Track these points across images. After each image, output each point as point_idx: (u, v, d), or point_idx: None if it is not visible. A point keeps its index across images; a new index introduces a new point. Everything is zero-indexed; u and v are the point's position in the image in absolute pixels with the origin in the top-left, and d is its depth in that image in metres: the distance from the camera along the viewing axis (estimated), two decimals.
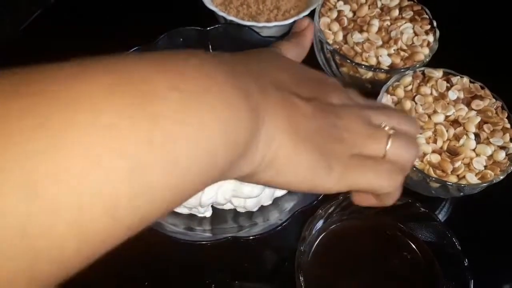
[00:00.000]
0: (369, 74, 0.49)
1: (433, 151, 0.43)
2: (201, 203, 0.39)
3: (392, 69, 0.48)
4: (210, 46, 0.49)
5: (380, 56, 0.49)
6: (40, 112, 0.13)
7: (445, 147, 0.43)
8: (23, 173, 0.13)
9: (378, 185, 0.25)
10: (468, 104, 0.46)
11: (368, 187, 0.25)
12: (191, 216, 0.43)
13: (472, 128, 0.44)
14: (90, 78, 0.15)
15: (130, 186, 0.15)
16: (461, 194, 0.42)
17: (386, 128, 0.26)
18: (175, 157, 0.16)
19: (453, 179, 0.41)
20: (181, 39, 0.47)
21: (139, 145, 0.15)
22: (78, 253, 0.14)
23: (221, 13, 0.54)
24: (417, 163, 0.42)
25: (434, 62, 0.50)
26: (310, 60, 0.45)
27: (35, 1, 0.72)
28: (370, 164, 0.25)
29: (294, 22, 0.54)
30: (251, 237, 0.39)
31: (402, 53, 0.50)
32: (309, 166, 0.22)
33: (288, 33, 0.56)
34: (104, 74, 0.15)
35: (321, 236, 0.40)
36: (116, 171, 0.14)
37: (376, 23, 0.51)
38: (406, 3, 0.54)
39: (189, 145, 0.16)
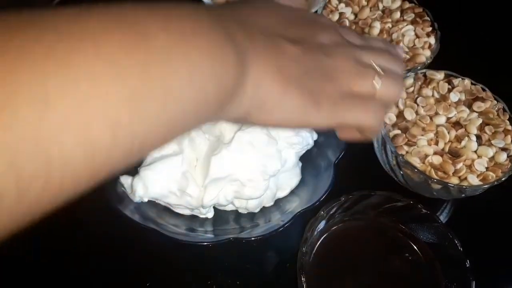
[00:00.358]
0: None
1: (435, 153, 0.43)
2: (203, 204, 0.39)
3: None
4: None
5: None
6: (46, 42, 0.15)
7: (446, 149, 0.43)
8: (35, 87, 0.14)
9: (364, 121, 0.26)
10: (469, 106, 0.46)
11: (355, 123, 0.27)
12: (193, 217, 0.43)
13: (474, 130, 0.44)
14: (91, 17, 0.16)
15: (129, 111, 0.16)
16: (463, 195, 0.42)
17: (375, 67, 0.27)
18: (168, 89, 0.17)
19: (454, 180, 0.41)
20: None
21: (136, 75, 0.16)
22: (85, 166, 0.16)
23: None
24: (419, 164, 0.42)
25: (436, 64, 0.50)
26: None
27: (37, 3, 0.72)
28: (358, 102, 0.26)
29: None
30: (252, 238, 0.39)
31: (404, 55, 0.50)
32: (299, 105, 0.24)
33: None
34: (102, 15, 0.17)
35: (323, 237, 0.40)
36: (117, 96, 0.16)
37: (377, 26, 0.52)
38: (407, 5, 0.54)
39: (180, 81, 0.18)
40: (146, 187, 0.39)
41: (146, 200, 0.40)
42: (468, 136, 0.44)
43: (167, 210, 0.43)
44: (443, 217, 0.48)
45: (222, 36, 0.20)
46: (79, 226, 0.44)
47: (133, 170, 0.41)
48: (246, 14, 0.25)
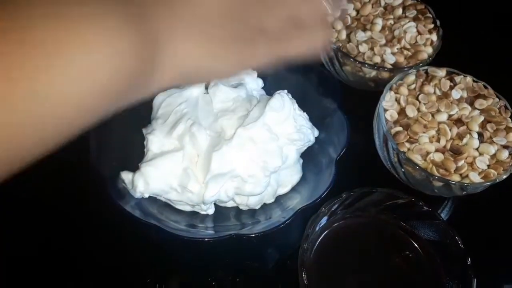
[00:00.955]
0: (373, 73, 0.49)
1: (436, 150, 0.43)
2: (204, 201, 0.39)
3: (396, 68, 0.48)
4: None
5: (384, 54, 0.49)
6: None
7: (448, 146, 0.43)
8: None
9: (304, 51, 0.28)
10: (471, 103, 0.46)
11: (296, 56, 0.28)
12: (194, 214, 0.43)
13: (476, 127, 0.44)
14: None
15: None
16: (464, 193, 0.42)
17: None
18: (46, 91, 0.17)
19: (456, 178, 0.41)
20: None
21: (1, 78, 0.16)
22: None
23: None
24: (420, 162, 0.42)
25: (438, 61, 0.50)
26: (313, 59, 0.46)
27: None
28: (292, 36, 0.27)
29: None
30: (253, 235, 0.39)
31: (405, 51, 0.50)
32: (233, 60, 0.24)
33: None
34: None
35: (324, 234, 0.40)
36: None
37: (379, 22, 0.52)
38: (409, 2, 0.54)
39: (64, 78, 0.17)
40: (147, 183, 0.39)
41: (147, 196, 0.40)
42: (469, 133, 0.43)
43: (167, 206, 0.43)
44: (444, 215, 0.48)
45: (122, 19, 0.19)
46: (80, 222, 0.44)
47: (134, 166, 0.41)
48: None
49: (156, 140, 0.42)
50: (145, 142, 0.43)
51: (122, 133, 0.43)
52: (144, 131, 0.44)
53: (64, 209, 0.45)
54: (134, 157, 0.43)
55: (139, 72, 0.20)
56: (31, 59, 0.16)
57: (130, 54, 0.19)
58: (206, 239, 0.38)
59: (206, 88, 0.47)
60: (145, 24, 0.20)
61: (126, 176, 0.40)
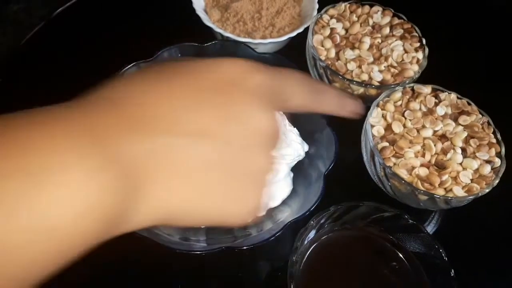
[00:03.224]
0: (361, 90, 0.51)
1: (422, 165, 0.44)
2: None
3: (383, 85, 0.50)
4: None
5: (371, 72, 0.51)
6: None
7: (433, 161, 0.44)
8: None
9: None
10: (455, 120, 0.47)
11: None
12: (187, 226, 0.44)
13: (459, 143, 0.45)
14: None
15: None
16: (449, 206, 0.44)
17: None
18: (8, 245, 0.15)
19: (440, 192, 0.43)
20: (179, 55, 0.49)
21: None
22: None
23: (218, 30, 0.55)
24: (406, 176, 0.44)
25: (423, 78, 0.52)
26: None
27: (36, 15, 0.73)
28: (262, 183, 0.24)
29: (289, 38, 0.56)
30: (245, 247, 0.40)
31: (392, 69, 0.52)
32: (215, 213, 0.22)
33: (283, 49, 0.59)
34: None
35: (312, 247, 0.41)
36: None
37: (367, 41, 0.53)
38: (396, 21, 0.56)
39: (32, 234, 0.15)
40: None
41: None
42: (453, 148, 0.45)
43: None
44: (431, 227, 0.49)
45: (99, 164, 0.17)
46: None
47: None
48: (141, 104, 0.20)
49: None
50: None
51: None
52: None
53: None
54: None
55: (117, 209, 0.18)
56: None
57: (108, 191, 0.17)
58: (198, 252, 0.39)
59: None
60: (124, 163, 0.18)
61: None
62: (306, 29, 0.55)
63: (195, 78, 0.21)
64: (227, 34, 0.55)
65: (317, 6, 0.59)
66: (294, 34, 0.56)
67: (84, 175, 0.16)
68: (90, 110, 0.19)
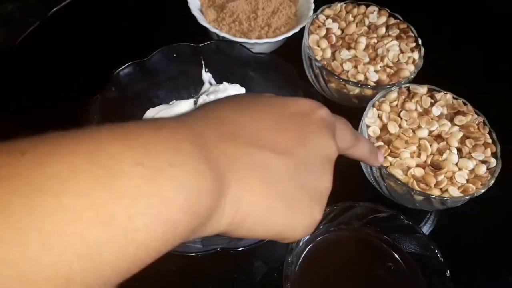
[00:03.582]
0: (356, 90, 0.50)
1: (417, 165, 0.44)
2: None
3: (379, 85, 0.50)
4: (202, 62, 0.50)
5: (367, 72, 0.51)
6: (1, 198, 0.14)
7: (428, 161, 0.44)
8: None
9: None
10: (451, 120, 0.47)
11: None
12: None
13: (455, 143, 0.45)
14: (56, 160, 0.16)
15: (82, 266, 0.15)
16: (444, 206, 0.44)
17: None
18: (133, 232, 0.16)
19: (436, 192, 0.43)
20: (175, 55, 0.49)
21: (96, 226, 0.15)
22: None
23: (214, 30, 0.55)
24: (402, 176, 0.44)
25: (419, 78, 0.52)
26: (300, 75, 0.47)
27: (31, 14, 0.73)
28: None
29: (284, 38, 0.56)
30: (240, 249, 0.40)
31: (388, 69, 0.52)
32: (284, 223, 0.23)
33: (279, 49, 0.58)
34: (70, 154, 0.16)
35: (308, 248, 0.41)
36: (69, 253, 0.15)
37: (363, 41, 0.53)
38: (392, 21, 0.56)
39: (150, 219, 0.17)
40: None
41: None
42: (449, 149, 0.45)
43: None
44: (427, 227, 0.49)
45: (202, 164, 0.19)
46: None
47: None
48: (234, 123, 0.24)
49: None
50: None
51: None
52: None
53: None
54: None
55: (206, 218, 0.20)
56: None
57: (205, 202, 0.19)
58: (194, 253, 0.39)
59: (195, 104, 0.48)
60: (217, 167, 0.20)
61: None
62: (302, 29, 0.55)
63: (277, 109, 0.26)
64: (222, 34, 0.55)
65: (313, 6, 0.59)
66: (290, 34, 0.56)
67: (193, 172, 0.19)
68: (197, 125, 0.22)
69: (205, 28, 0.56)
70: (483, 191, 0.42)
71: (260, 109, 0.26)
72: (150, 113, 0.46)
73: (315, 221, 0.25)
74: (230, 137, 0.23)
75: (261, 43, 0.55)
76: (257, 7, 0.59)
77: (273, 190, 0.23)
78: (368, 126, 0.46)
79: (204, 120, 0.23)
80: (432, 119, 0.47)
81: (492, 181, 0.43)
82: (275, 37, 0.56)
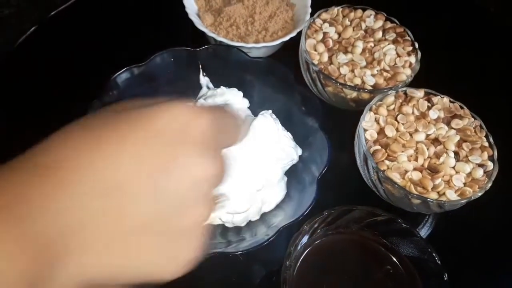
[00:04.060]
0: (354, 94, 0.51)
1: (414, 169, 0.44)
2: None
3: (376, 89, 0.50)
4: (200, 66, 0.50)
5: (364, 76, 0.51)
6: None
7: (426, 165, 0.45)
8: None
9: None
10: (448, 123, 0.48)
11: None
12: None
13: (452, 147, 0.45)
14: None
15: None
16: (442, 210, 0.44)
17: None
18: None
19: (433, 195, 0.43)
20: (172, 59, 0.49)
21: None
22: None
23: (211, 34, 0.55)
24: (399, 180, 0.44)
25: (416, 82, 0.52)
26: (297, 79, 0.47)
27: (28, 19, 0.73)
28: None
29: (282, 43, 0.56)
30: (239, 253, 0.40)
31: (385, 73, 0.52)
32: (148, 271, 0.21)
33: (276, 53, 0.59)
34: None
35: (306, 251, 0.41)
36: None
37: (360, 45, 0.54)
38: (389, 25, 0.57)
39: None
40: None
41: None
42: (446, 152, 0.45)
43: None
44: (425, 230, 0.49)
45: (14, 246, 0.16)
46: None
47: None
48: (72, 169, 0.19)
49: None
50: None
51: None
52: None
53: None
54: None
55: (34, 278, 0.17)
56: None
57: (23, 274, 0.17)
58: None
59: None
60: (42, 240, 0.17)
61: None
62: (299, 33, 0.55)
63: (137, 131, 0.20)
64: (220, 38, 0.55)
65: (309, 10, 0.59)
66: (287, 38, 0.56)
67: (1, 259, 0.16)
68: (12, 182, 0.18)
69: (203, 33, 0.56)
70: (480, 194, 0.43)
71: (112, 136, 0.20)
72: None
73: (185, 263, 0.22)
74: (63, 191, 0.18)
75: (258, 47, 0.55)
76: (254, 11, 0.59)
77: (124, 246, 0.20)
78: (365, 130, 0.46)
79: (30, 174, 0.18)
80: (429, 122, 0.47)
81: (489, 185, 0.43)
82: (272, 41, 0.56)
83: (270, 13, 0.60)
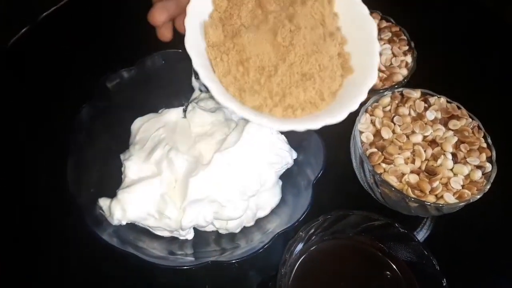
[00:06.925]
0: None
1: (412, 171, 0.43)
2: (182, 226, 0.39)
3: (371, 90, 0.49)
4: (192, 69, 0.49)
5: None
6: None
7: (423, 167, 0.44)
8: None
9: None
10: (445, 124, 0.47)
11: None
12: (173, 239, 0.42)
13: (449, 148, 0.44)
14: None
15: None
16: (440, 213, 0.43)
17: None
18: None
19: (431, 199, 0.42)
20: (164, 62, 0.48)
21: None
22: None
23: None
24: (396, 183, 0.43)
25: (412, 82, 0.51)
26: None
27: (21, 19, 0.72)
28: None
29: None
30: (233, 261, 0.39)
31: (380, 74, 0.51)
32: None
33: None
34: None
35: (301, 258, 0.40)
36: None
37: None
38: (384, 24, 0.56)
39: None
40: (124, 210, 0.39)
41: (124, 223, 0.40)
42: (444, 154, 0.44)
43: (146, 232, 0.42)
44: (422, 233, 0.48)
45: None
46: (54, 250, 0.44)
47: (113, 192, 0.41)
48: None
49: (133, 166, 0.42)
50: (122, 169, 0.43)
51: (100, 159, 0.43)
52: (121, 157, 0.44)
53: (40, 237, 0.44)
54: (113, 183, 0.43)
55: None
56: None
57: None
58: (184, 267, 0.38)
59: (185, 111, 0.47)
60: None
61: (104, 203, 0.40)
62: None
63: None
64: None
65: None
66: None
67: None
68: None
69: None
70: (479, 197, 0.42)
71: None
72: (138, 122, 0.45)
73: None
74: None
75: None
76: None
77: None
78: (361, 132, 0.46)
79: None
80: (426, 123, 0.46)
81: (488, 186, 0.42)
82: None
83: None
